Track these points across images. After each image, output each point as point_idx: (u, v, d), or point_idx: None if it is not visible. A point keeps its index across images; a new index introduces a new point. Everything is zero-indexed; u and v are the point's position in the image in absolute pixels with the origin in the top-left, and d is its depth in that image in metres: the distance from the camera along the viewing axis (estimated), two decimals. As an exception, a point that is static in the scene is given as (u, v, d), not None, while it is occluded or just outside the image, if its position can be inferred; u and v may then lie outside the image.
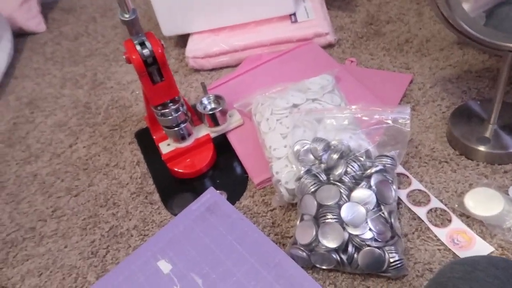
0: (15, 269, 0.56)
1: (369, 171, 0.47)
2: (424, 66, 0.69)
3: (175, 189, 0.61)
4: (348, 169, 0.47)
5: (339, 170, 0.47)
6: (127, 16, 0.50)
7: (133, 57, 0.51)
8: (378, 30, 0.79)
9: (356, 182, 0.47)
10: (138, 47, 0.51)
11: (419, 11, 0.80)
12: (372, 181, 0.46)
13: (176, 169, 0.61)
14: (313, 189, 0.48)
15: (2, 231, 0.61)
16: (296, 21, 0.79)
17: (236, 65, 0.79)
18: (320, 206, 0.46)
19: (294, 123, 0.54)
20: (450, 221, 0.48)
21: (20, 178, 0.69)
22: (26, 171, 0.70)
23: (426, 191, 0.51)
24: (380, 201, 0.46)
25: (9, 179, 0.69)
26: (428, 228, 0.48)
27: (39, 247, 0.58)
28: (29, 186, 0.67)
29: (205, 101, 0.64)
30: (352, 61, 0.72)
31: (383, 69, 0.70)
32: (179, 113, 0.58)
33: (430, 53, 0.71)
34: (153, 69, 0.53)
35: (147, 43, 0.52)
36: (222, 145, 0.64)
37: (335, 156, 0.48)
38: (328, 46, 0.78)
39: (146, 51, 0.51)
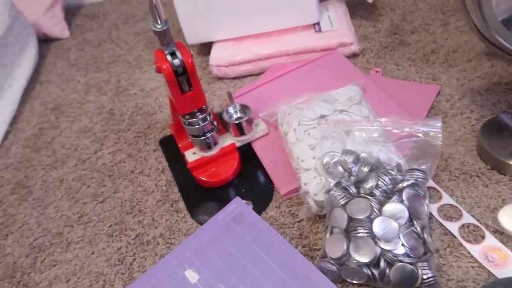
0: (43, 274, 0.56)
1: (400, 185, 0.47)
2: (451, 77, 0.68)
3: (200, 197, 0.61)
4: (379, 183, 0.47)
5: (370, 184, 0.47)
6: (159, 26, 0.50)
7: (164, 67, 0.51)
8: (403, 40, 0.78)
9: (388, 196, 0.47)
10: (169, 57, 0.52)
11: (444, 21, 0.80)
12: (404, 195, 0.46)
13: (201, 178, 0.61)
14: (343, 202, 0.47)
15: (29, 235, 0.62)
16: (320, 30, 0.79)
17: (259, 74, 0.80)
18: (350, 219, 0.46)
19: (322, 135, 0.54)
20: (483, 237, 0.47)
21: (47, 183, 0.69)
22: (52, 176, 0.70)
23: (458, 206, 0.50)
24: (413, 216, 0.45)
25: (35, 183, 0.70)
26: (461, 244, 0.47)
27: (66, 253, 0.58)
28: (55, 191, 0.68)
29: (231, 110, 0.64)
30: (377, 71, 0.72)
31: (409, 80, 0.70)
32: (206, 122, 0.58)
33: (457, 64, 0.70)
34: (183, 79, 0.54)
35: (178, 53, 0.52)
36: (246, 154, 0.64)
37: (366, 169, 0.48)
38: (352, 56, 0.77)
39: (176, 61, 0.52)
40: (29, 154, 0.76)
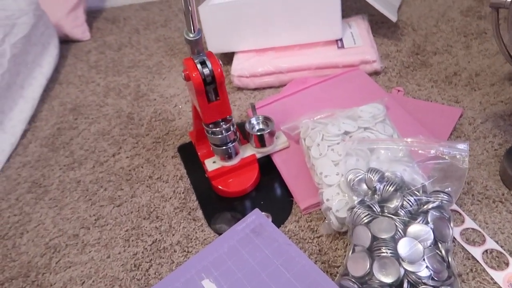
0: (58, 275, 0.56)
1: (425, 206, 0.47)
2: (474, 100, 0.68)
3: (218, 207, 0.61)
4: (404, 203, 0.47)
5: (395, 203, 0.47)
6: (192, 35, 0.51)
7: (194, 75, 0.52)
8: (425, 61, 0.78)
9: (412, 217, 0.47)
10: (199, 66, 0.52)
11: (467, 44, 0.80)
12: (429, 217, 0.46)
13: (220, 187, 0.61)
14: (366, 220, 0.47)
15: (45, 235, 0.62)
16: (342, 46, 0.79)
17: (280, 86, 0.80)
18: (374, 238, 0.46)
19: (346, 151, 0.54)
20: (507, 264, 0.47)
21: (64, 184, 0.70)
22: (69, 177, 0.71)
23: (481, 230, 0.50)
24: (438, 239, 0.45)
25: (52, 183, 0.70)
26: (484, 270, 0.47)
27: (82, 255, 0.58)
28: (72, 192, 0.68)
29: (253, 121, 0.64)
30: (399, 91, 0.72)
31: (431, 101, 0.70)
32: (230, 132, 0.59)
33: (480, 88, 0.70)
34: (210, 88, 0.54)
35: (208, 63, 0.52)
36: (265, 166, 0.64)
37: (391, 189, 0.48)
38: (374, 74, 0.78)
39: (206, 70, 0.52)
40: (47, 154, 0.77)
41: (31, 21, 0.92)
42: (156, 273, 0.54)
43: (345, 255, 0.51)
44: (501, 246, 0.48)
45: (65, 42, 1.11)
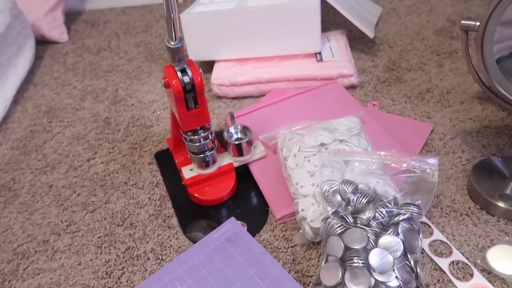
0: (25, 282, 0.54)
1: (396, 218, 0.48)
2: (445, 117, 0.71)
3: (194, 215, 0.61)
4: (376, 215, 0.48)
5: (368, 215, 0.48)
6: (173, 43, 0.51)
7: (173, 82, 0.52)
8: (400, 77, 0.81)
9: (384, 228, 0.48)
10: (179, 74, 0.52)
11: (439, 63, 0.83)
12: (400, 229, 0.47)
13: (197, 195, 0.61)
14: (339, 231, 0.48)
15: (13, 241, 0.60)
16: (321, 60, 0.81)
17: (259, 96, 0.81)
18: (347, 248, 0.47)
19: (322, 163, 0.55)
20: (472, 275, 0.48)
21: (35, 188, 0.68)
22: (41, 181, 0.69)
23: (448, 242, 0.52)
24: (407, 250, 0.46)
25: (23, 187, 0.68)
26: (450, 281, 0.48)
27: (52, 262, 0.56)
28: (43, 197, 0.66)
29: (232, 130, 0.65)
30: (374, 105, 0.74)
31: (404, 116, 0.72)
32: (208, 140, 0.59)
33: (450, 105, 0.73)
34: (190, 96, 0.54)
35: (188, 71, 0.53)
36: (242, 175, 0.64)
37: (364, 200, 0.49)
38: (351, 87, 0.80)
39: (186, 78, 0.52)
40: (18, 157, 0.74)
41: (7, 20, 0.90)
42: (128, 281, 0.53)
43: (318, 265, 0.52)
44: (467, 258, 0.50)
45: (42, 43, 1.09)
